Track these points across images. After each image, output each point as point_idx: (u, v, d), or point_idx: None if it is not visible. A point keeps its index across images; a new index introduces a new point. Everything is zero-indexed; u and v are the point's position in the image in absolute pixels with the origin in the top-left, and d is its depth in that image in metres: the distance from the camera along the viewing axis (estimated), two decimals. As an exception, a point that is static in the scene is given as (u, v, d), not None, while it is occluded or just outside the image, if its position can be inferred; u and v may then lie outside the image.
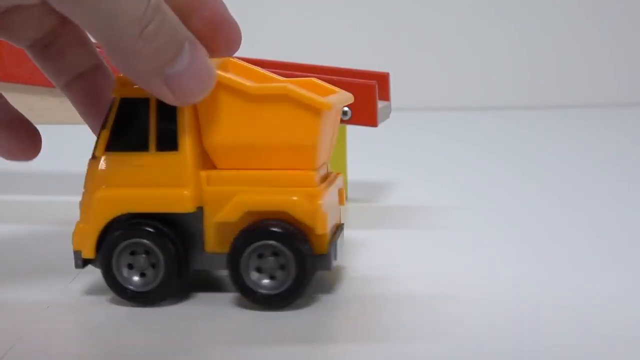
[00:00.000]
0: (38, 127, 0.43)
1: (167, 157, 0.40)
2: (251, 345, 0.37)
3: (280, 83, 0.43)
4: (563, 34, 1.16)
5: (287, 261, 0.40)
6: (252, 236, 0.40)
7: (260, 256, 0.40)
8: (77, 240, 0.41)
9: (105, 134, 0.40)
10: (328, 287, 0.44)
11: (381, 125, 0.59)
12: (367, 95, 0.57)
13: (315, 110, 0.40)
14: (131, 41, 0.36)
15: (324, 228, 0.40)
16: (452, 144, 0.86)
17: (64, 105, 0.55)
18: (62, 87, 0.43)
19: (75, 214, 0.41)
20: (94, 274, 0.42)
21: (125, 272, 0.40)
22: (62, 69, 0.43)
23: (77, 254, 0.41)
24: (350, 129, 0.63)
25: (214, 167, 0.41)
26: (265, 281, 0.40)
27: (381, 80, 0.62)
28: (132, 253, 0.40)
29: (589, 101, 1.15)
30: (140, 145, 0.40)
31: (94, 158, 0.41)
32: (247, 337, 0.38)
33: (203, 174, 0.41)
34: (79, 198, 0.41)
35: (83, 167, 0.41)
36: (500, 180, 0.69)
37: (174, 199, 0.40)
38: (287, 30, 1.15)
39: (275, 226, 0.40)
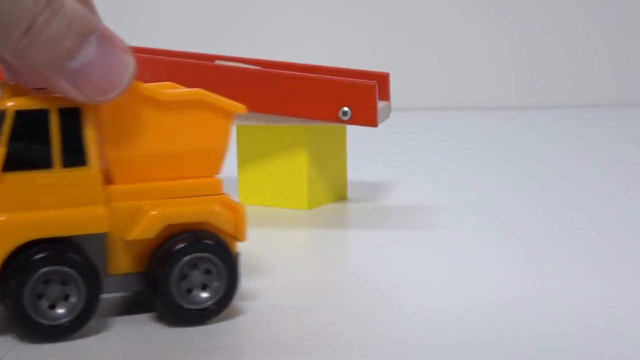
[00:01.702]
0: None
1: (76, 173, 0.37)
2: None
3: (190, 88, 0.40)
4: (563, 34, 1.16)
5: (219, 272, 0.39)
6: (183, 250, 0.38)
7: (184, 271, 0.38)
8: None
9: (1, 151, 0.36)
10: (323, 288, 0.44)
11: (381, 125, 0.59)
12: (367, 95, 0.57)
13: (228, 113, 0.39)
14: (19, 36, 0.34)
15: (246, 236, 0.39)
16: (452, 144, 0.86)
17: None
18: None
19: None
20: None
21: (43, 304, 0.36)
22: None
23: None
24: (350, 129, 0.63)
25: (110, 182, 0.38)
26: (204, 295, 0.38)
27: (381, 80, 0.62)
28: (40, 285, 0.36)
29: (589, 101, 1.14)
30: (43, 162, 0.36)
31: None
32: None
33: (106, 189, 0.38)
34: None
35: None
36: (500, 180, 0.69)
37: (89, 219, 0.37)
38: (287, 30, 1.15)
39: (205, 237, 0.38)
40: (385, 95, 0.62)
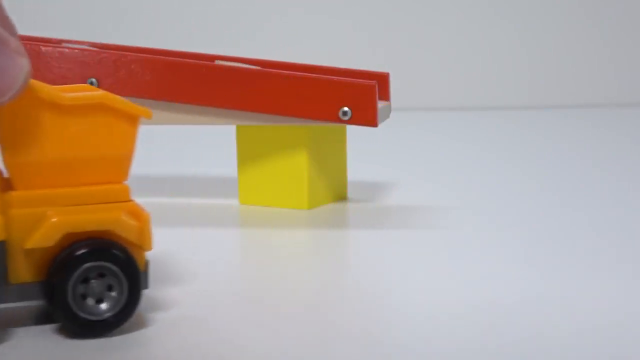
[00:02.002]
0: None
1: None
2: None
3: (94, 92, 0.38)
4: (563, 34, 1.16)
5: (119, 282, 0.37)
6: (80, 259, 0.36)
7: (85, 280, 0.37)
8: None
9: None
10: (323, 288, 0.44)
11: (381, 125, 0.59)
12: (367, 95, 0.57)
13: (133, 118, 0.38)
14: None
15: (151, 245, 0.38)
16: (452, 144, 0.86)
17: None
18: None
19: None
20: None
21: None
22: None
23: None
24: (350, 129, 0.63)
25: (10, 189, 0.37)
26: (104, 306, 0.37)
27: (381, 80, 0.62)
28: None
29: (589, 101, 1.14)
30: None
31: None
32: None
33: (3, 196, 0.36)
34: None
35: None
36: (501, 181, 0.69)
37: None
38: (287, 30, 1.15)
39: (106, 246, 0.37)
40: (385, 95, 0.62)
